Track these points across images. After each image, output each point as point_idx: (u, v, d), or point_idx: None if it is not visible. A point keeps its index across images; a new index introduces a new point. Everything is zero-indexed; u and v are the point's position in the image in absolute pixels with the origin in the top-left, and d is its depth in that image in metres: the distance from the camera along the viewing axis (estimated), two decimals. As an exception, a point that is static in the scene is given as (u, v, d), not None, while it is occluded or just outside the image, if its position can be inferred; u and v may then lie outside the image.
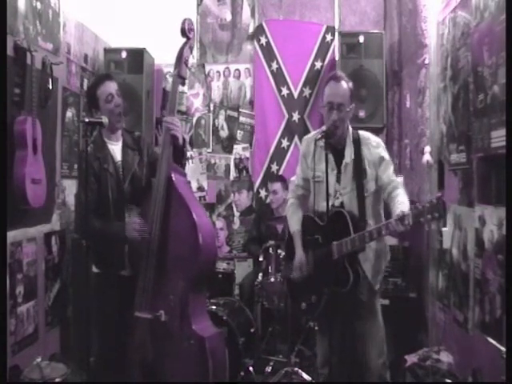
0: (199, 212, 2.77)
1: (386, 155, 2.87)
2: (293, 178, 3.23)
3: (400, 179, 2.85)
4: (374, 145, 2.87)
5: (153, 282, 2.71)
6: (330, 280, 2.74)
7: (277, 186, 4.68)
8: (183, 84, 3.09)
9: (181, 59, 2.89)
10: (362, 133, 2.91)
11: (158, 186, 2.75)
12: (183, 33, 2.88)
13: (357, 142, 2.85)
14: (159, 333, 2.69)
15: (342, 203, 2.83)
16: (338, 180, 2.82)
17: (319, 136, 2.71)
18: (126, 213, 2.83)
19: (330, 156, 2.76)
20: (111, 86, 2.89)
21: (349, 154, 2.84)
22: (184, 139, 2.91)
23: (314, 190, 2.88)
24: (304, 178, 3.02)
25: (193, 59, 3.01)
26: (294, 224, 3.00)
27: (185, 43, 2.91)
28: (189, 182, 5.18)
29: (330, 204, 2.69)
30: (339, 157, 2.84)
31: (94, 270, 2.90)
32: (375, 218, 2.85)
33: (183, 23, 2.88)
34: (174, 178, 2.77)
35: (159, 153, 2.85)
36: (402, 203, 2.64)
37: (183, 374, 2.65)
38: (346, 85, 2.83)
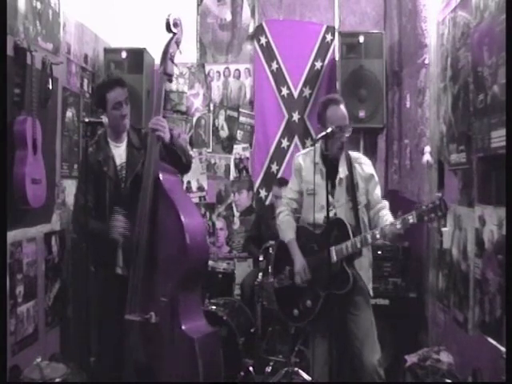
0: (188, 211, 2.75)
1: (375, 175, 3.05)
2: (284, 193, 3.28)
3: (386, 203, 3.00)
4: (365, 163, 3.06)
5: (142, 283, 2.70)
6: (328, 283, 2.76)
7: (282, 191, 4.65)
8: (170, 81, 3.03)
9: (166, 56, 2.83)
10: (351, 152, 3.08)
11: (145, 186, 2.73)
12: (168, 27, 2.82)
13: (348, 160, 3.00)
14: (151, 334, 2.68)
15: (335, 215, 2.91)
16: (332, 193, 2.92)
17: (319, 137, 2.78)
18: (113, 214, 2.82)
19: (325, 171, 2.88)
20: (121, 94, 2.86)
21: (343, 170, 2.97)
22: (173, 136, 2.83)
23: (307, 202, 3.00)
24: (298, 191, 3.10)
25: (186, 57, 2.95)
26: (290, 233, 3.05)
27: (170, 39, 2.85)
28: (188, 182, 5.19)
29: (324, 216, 2.74)
30: (333, 172, 2.94)
31: (92, 268, 2.91)
32: (365, 230, 2.94)
33: (167, 18, 2.82)
34: (161, 178, 2.75)
35: (147, 152, 2.81)
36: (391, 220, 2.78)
37: (175, 374, 2.65)
38: (344, 107, 2.96)
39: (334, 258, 2.79)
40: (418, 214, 2.57)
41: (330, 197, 2.84)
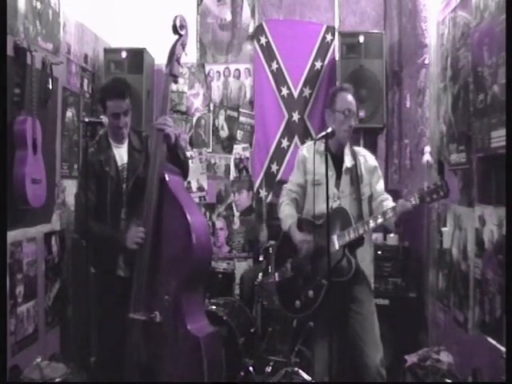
0: (193, 211, 2.76)
1: (379, 168, 3.10)
2: (285, 185, 3.30)
3: (389, 196, 3.01)
4: (369, 155, 3.12)
5: (147, 282, 2.70)
6: (330, 271, 2.76)
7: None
8: (176, 82, 3.06)
9: (172, 57, 2.85)
10: (356, 147, 3.15)
11: (150, 187, 2.73)
12: (174, 29, 2.83)
13: (353, 153, 3.06)
14: (155, 333, 2.68)
15: (339, 205, 2.93)
16: (337, 184, 2.97)
17: (319, 137, 2.79)
18: (127, 220, 2.81)
19: (330, 161, 2.86)
20: (120, 106, 2.83)
21: (349, 160, 3.01)
22: (177, 139, 2.85)
23: (311, 193, 3.00)
24: (298, 183, 3.13)
25: (186, 57, 2.95)
26: (289, 219, 3.07)
27: (176, 40, 2.87)
28: (188, 182, 5.19)
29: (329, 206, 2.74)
30: (338, 163, 2.98)
31: (92, 270, 2.91)
32: None
33: (174, 20, 2.83)
34: (167, 178, 2.76)
35: (152, 153, 2.82)
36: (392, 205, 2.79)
37: (179, 374, 2.65)
38: (353, 97, 3.03)
39: (337, 245, 2.81)
40: (420, 195, 2.59)
41: (335, 188, 2.92)
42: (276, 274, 3.14)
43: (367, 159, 3.06)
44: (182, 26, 2.85)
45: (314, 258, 2.94)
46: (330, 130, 2.75)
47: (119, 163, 2.90)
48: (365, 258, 2.97)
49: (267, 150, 5.32)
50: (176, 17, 2.84)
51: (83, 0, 4.50)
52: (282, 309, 3.16)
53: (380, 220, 2.74)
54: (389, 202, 2.90)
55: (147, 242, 2.71)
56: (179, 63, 2.88)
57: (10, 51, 3.17)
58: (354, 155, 3.04)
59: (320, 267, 2.89)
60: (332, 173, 2.89)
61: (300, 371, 3.81)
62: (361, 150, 3.15)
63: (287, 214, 3.09)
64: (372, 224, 2.77)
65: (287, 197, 3.15)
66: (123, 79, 3.15)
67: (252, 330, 4.11)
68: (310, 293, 2.92)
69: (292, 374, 3.80)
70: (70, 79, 4.22)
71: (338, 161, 2.97)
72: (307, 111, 5.27)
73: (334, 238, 2.80)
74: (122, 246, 2.73)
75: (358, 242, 2.86)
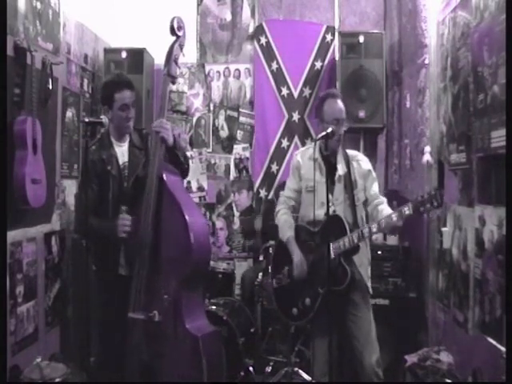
0: (191, 211, 2.75)
1: (373, 171, 3.08)
2: (282, 192, 3.30)
3: (384, 199, 3.02)
4: (363, 160, 3.09)
5: (146, 281, 2.70)
6: (326, 280, 2.77)
7: None
8: (173, 83, 3.07)
9: (170, 58, 2.86)
10: (349, 151, 3.12)
11: (149, 187, 2.74)
12: (172, 31, 2.85)
13: (346, 158, 3.03)
14: (154, 333, 2.69)
15: (334, 212, 2.92)
16: (331, 191, 2.94)
17: (319, 137, 2.79)
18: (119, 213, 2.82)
19: (324, 168, 2.89)
20: (129, 96, 2.89)
21: (341, 167, 3.00)
22: (175, 140, 2.85)
23: (306, 199, 3.02)
24: (295, 189, 3.13)
25: (185, 57, 2.96)
26: (288, 231, 3.08)
27: (174, 41, 2.88)
28: (188, 182, 5.19)
29: (324, 212, 2.75)
30: (331, 170, 2.97)
31: (94, 268, 2.91)
32: (363, 226, 2.94)
33: (172, 21, 2.84)
34: (165, 178, 2.76)
35: (151, 152, 2.84)
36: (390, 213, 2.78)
37: (178, 373, 2.65)
38: (342, 102, 3.00)
39: (332, 254, 2.80)
40: (414, 205, 2.59)
41: (329, 194, 2.86)
42: (274, 281, 3.14)
43: (360, 164, 3.05)
44: (180, 27, 2.87)
45: (310, 266, 2.95)
46: (330, 130, 2.75)
47: (121, 162, 2.92)
48: (362, 261, 2.98)
49: (267, 149, 5.32)
50: (173, 18, 2.86)
51: (83, 0, 4.50)
52: (280, 315, 3.16)
53: (375, 230, 2.75)
54: (384, 206, 2.90)
55: (147, 241, 2.71)
56: (177, 64, 2.90)
57: (10, 51, 3.17)
58: (347, 161, 3.02)
59: (317, 275, 2.89)
60: (326, 180, 2.88)
61: (300, 371, 3.81)
62: (354, 155, 3.11)
63: (284, 223, 3.10)
64: (366, 234, 2.78)
65: (285, 205, 3.16)
66: (124, 73, 3.18)
67: (252, 330, 4.11)
68: (307, 300, 2.93)
69: (292, 373, 3.80)
70: (69, 79, 4.22)
71: (331, 167, 2.96)
72: (307, 111, 5.27)
73: (331, 246, 2.79)
74: (114, 236, 2.74)
75: (354, 250, 2.86)
